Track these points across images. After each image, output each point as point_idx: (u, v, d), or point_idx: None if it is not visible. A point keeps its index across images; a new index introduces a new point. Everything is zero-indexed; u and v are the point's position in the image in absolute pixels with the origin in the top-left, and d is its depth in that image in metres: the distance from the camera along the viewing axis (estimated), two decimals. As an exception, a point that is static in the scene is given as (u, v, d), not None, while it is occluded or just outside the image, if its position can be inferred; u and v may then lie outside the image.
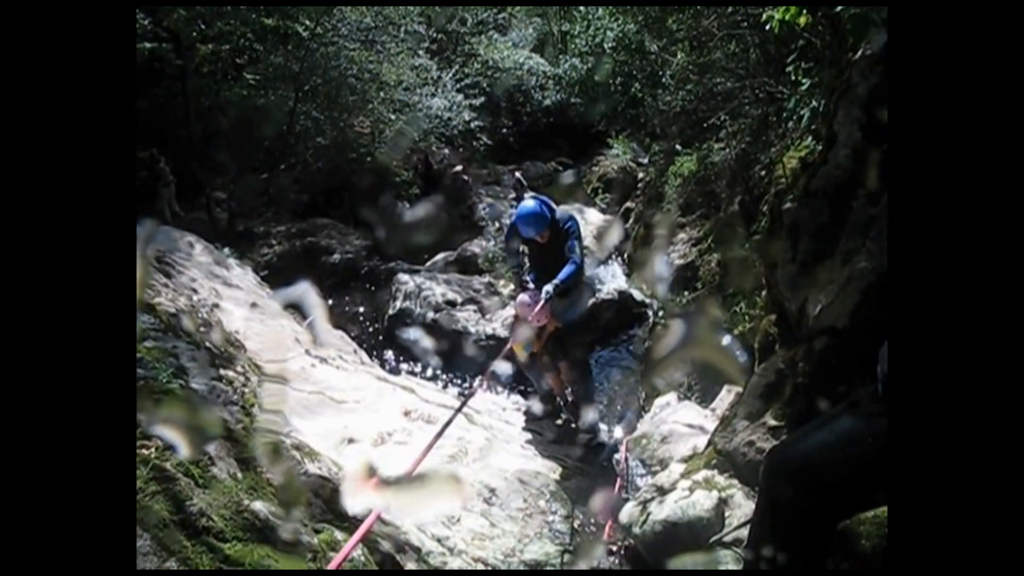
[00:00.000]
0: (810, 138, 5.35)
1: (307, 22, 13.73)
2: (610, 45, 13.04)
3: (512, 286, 11.53)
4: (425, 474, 4.07)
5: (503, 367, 8.19)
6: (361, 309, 11.30)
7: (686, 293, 8.18)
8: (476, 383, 6.03)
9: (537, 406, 6.60)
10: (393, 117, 15.48)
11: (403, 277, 11.13)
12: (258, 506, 2.66)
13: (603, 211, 16.19)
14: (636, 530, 4.10)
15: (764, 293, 4.71)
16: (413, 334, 9.96)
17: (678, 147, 11.54)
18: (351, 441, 4.79)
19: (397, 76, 15.64)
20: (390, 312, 10.58)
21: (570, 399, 6.44)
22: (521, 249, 6.35)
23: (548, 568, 4.19)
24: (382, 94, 15.26)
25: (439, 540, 3.94)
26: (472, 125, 17.55)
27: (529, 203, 5.97)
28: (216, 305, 6.14)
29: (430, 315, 10.25)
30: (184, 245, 7.35)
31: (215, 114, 14.31)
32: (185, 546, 2.23)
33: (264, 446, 3.38)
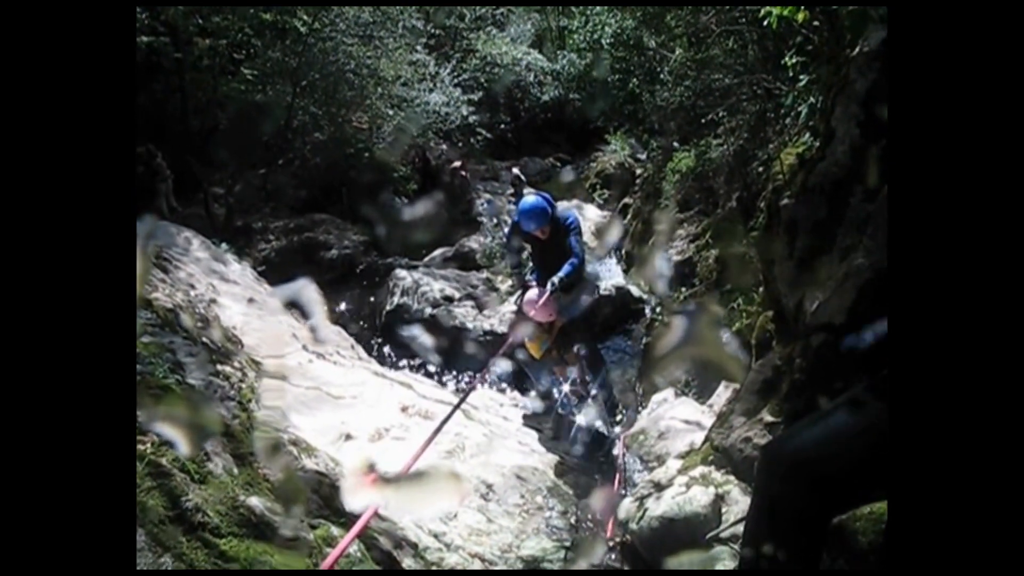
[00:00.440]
0: (808, 134, 5.34)
1: (305, 17, 13.70)
2: (608, 41, 13.03)
3: (510, 282, 11.55)
4: (424, 471, 4.08)
5: (502, 364, 8.20)
6: (359, 305, 11.30)
7: (684, 289, 8.17)
8: (475, 379, 6.05)
9: (535, 403, 6.61)
10: (391, 112, 15.46)
11: (401, 273, 11.13)
12: (254, 502, 2.66)
13: (601, 207, 16.19)
14: (633, 526, 4.10)
15: (762, 290, 4.72)
16: (411, 330, 9.96)
17: (676, 143, 11.54)
18: (348, 437, 4.79)
19: (395, 71, 15.62)
20: (388, 308, 10.57)
21: (591, 391, 6.46)
22: (523, 247, 6.41)
23: (545, 564, 4.19)
24: (380, 89, 15.23)
25: (436, 536, 3.94)
26: (470, 120, 17.54)
27: (530, 198, 6.05)
28: (213, 301, 6.13)
29: (428, 311, 10.25)
30: (181, 241, 7.33)
31: (213, 109, 14.30)
32: (180, 541, 2.23)
33: (261, 442, 3.38)
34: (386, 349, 9.59)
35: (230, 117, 14.11)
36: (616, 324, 9.65)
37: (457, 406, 4.54)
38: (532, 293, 6.01)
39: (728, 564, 3.49)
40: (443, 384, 7.95)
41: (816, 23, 5.06)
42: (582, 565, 4.23)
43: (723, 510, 3.84)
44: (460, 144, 18.49)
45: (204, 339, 4.37)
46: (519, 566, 4.08)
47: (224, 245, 9.46)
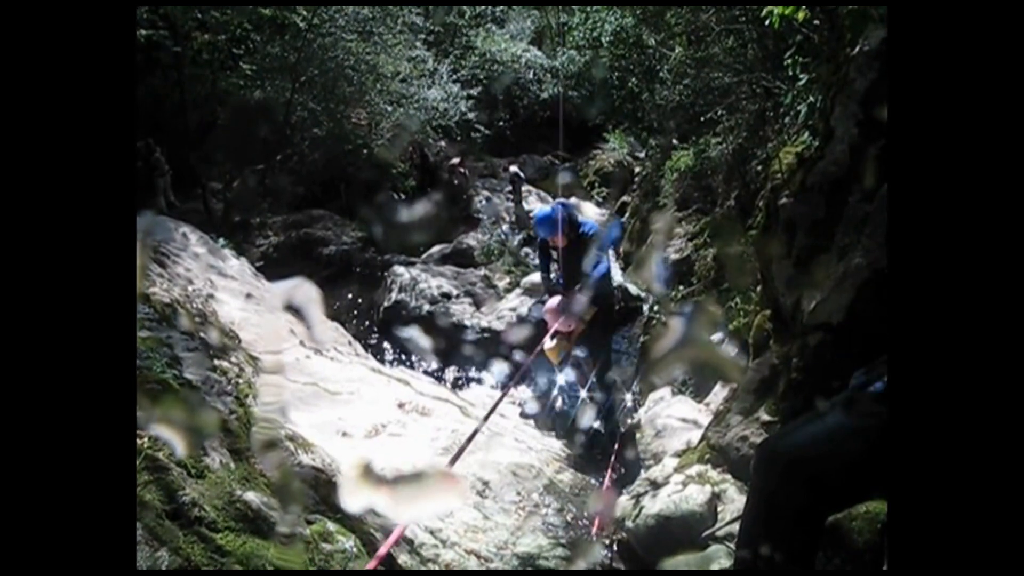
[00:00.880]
0: (807, 134, 5.34)
1: (304, 13, 13.69)
2: (608, 39, 13.00)
3: (508, 280, 11.55)
4: (421, 471, 4.08)
5: (499, 363, 8.22)
6: (356, 301, 11.30)
7: (681, 288, 8.18)
8: (510, 384, 6.12)
9: (532, 401, 6.62)
10: (390, 109, 15.45)
11: (398, 269, 11.13)
12: (251, 497, 2.66)
13: (599, 205, 16.19)
14: (629, 524, 4.10)
15: (759, 289, 4.71)
16: (408, 327, 9.96)
17: (675, 142, 11.54)
18: (345, 433, 4.78)
19: (394, 67, 15.62)
20: (385, 304, 10.58)
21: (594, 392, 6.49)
22: (549, 252, 6.60)
23: (541, 561, 4.19)
24: (379, 85, 15.23)
25: (432, 532, 3.93)
26: (469, 117, 17.53)
27: (545, 206, 6.38)
28: (211, 296, 6.12)
29: (425, 307, 10.26)
30: (179, 235, 7.32)
31: (211, 104, 14.29)
32: (176, 536, 2.23)
33: (258, 437, 3.37)
34: (383, 345, 9.60)
35: (229, 113, 14.10)
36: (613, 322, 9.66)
37: (492, 410, 4.55)
38: (553, 301, 6.09)
39: (724, 563, 3.49)
40: (440, 381, 7.96)
41: (816, 22, 5.06)
42: (579, 564, 4.23)
43: (719, 508, 3.85)
44: (459, 140, 18.49)
45: (201, 334, 4.37)
46: (515, 563, 4.08)
47: (222, 240, 9.46)
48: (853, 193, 3.40)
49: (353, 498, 3.25)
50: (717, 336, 5.91)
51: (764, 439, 3.43)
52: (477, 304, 10.64)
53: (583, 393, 6.42)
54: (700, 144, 9.73)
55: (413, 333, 9.68)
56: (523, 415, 6.51)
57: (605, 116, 17.06)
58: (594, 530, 4.43)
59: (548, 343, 5.94)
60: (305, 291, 7.21)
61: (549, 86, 22.77)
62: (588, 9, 14.65)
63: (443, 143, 17.68)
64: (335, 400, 5.26)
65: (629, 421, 6.65)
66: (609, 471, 5.37)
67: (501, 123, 21.71)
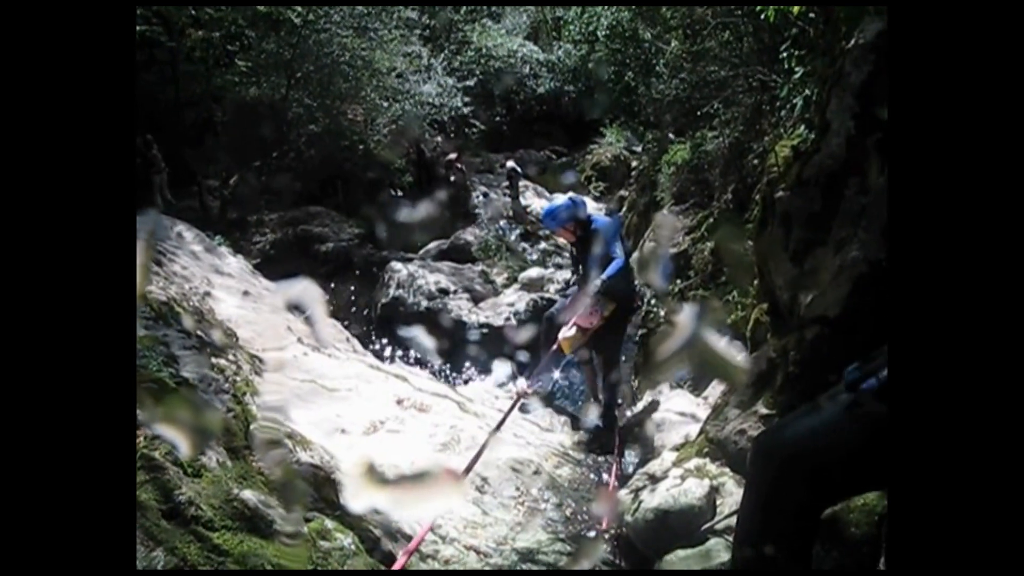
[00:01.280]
0: (803, 127, 5.33)
1: (299, 9, 13.66)
2: (604, 33, 12.99)
3: (505, 275, 11.56)
4: (421, 470, 4.09)
5: (497, 358, 8.21)
6: (354, 297, 11.30)
7: (679, 282, 8.16)
8: (526, 384, 6.14)
9: (533, 396, 6.63)
10: (386, 104, 15.43)
11: (396, 265, 11.13)
12: (248, 495, 2.66)
13: (597, 199, 16.18)
14: (628, 518, 4.10)
15: (756, 282, 4.71)
16: (406, 323, 9.96)
17: (671, 135, 11.53)
18: (343, 430, 4.78)
19: (390, 63, 15.60)
20: (383, 300, 10.58)
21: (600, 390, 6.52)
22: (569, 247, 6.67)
23: (541, 556, 4.19)
24: (375, 81, 15.21)
25: (431, 528, 3.93)
26: (465, 112, 17.52)
27: (554, 200, 6.44)
28: (208, 293, 6.12)
29: (423, 304, 10.26)
30: (176, 233, 7.32)
31: (207, 101, 14.26)
32: (173, 535, 2.22)
33: (256, 435, 3.37)
34: (381, 342, 9.59)
35: (225, 110, 14.08)
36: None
37: (509, 411, 4.54)
38: (574, 297, 6.17)
39: (723, 556, 3.49)
40: (438, 376, 7.95)
41: (812, 15, 5.06)
42: (579, 559, 4.24)
43: (718, 502, 3.85)
44: (454, 135, 18.47)
45: (198, 332, 4.36)
46: (515, 559, 4.08)
47: (219, 238, 9.46)
48: (849, 186, 3.39)
49: (355, 498, 3.25)
50: (717, 334, 5.91)
51: (760, 432, 3.43)
52: (475, 300, 10.64)
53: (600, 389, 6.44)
54: (696, 138, 9.72)
55: (411, 329, 9.67)
56: (522, 409, 6.52)
57: (602, 111, 17.06)
58: (603, 526, 4.43)
59: (565, 333, 5.95)
60: (309, 292, 7.22)
61: (545, 81, 22.76)
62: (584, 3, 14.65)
63: (439, 139, 17.66)
64: (333, 397, 5.26)
65: (629, 413, 6.65)
66: (615, 467, 5.37)
67: (497, 118, 21.71)
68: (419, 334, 9.46)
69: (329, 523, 3.06)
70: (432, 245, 13.40)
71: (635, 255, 10.95)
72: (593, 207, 14.50)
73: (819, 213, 3.59)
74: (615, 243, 5.94)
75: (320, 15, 13.98)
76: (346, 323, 8.79)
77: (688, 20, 9.64)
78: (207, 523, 2.39)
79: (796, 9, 4.54)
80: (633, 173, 15.46)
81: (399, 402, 5.46)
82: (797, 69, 5.45)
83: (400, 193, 15.48)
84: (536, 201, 16.05)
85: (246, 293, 6.84)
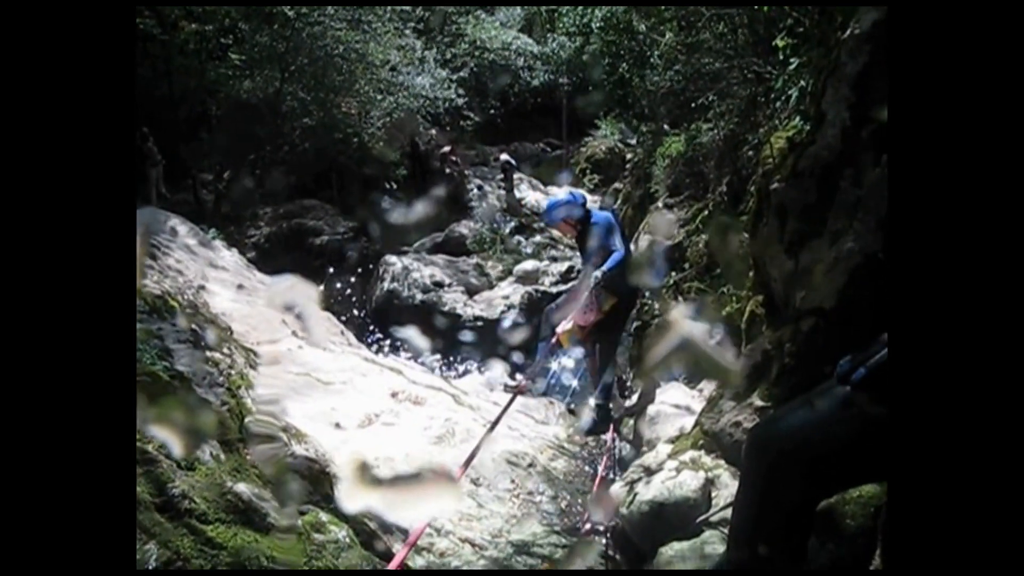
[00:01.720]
0: (798, 118, 5.31)
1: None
2: (598, 25, 12.94)
3: (500, 268, 11.55)
4: (417, 472, 4.08)
5: (492, 351, 8.21)
6: (348, 291, 11.29)
7: (674, 274, 8.14)
8: (527, 378, 6.17)
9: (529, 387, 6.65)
10: (379, 97, 15.38)
11: (390, 259, 11.12)
12: (242, 488, 2.65)
13: (591, 192, 16.16)
14: (623, 511, 4.10)
15: (751, 274, 4.70)
16: (400, 316, 9.95)
17: (666, 128, 11.50)
18: (338, 424, 4.78)
19: (383, 56, 15.55)
20: (377, 294, 10.58)
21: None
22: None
23: (536, 549, 4.19)
24: (368, 74, 15.16)
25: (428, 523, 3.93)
26: (459, 104, 17.48)
27: (556, 195, 6.76)
28: (202, 287, 6.11)
29: (418, 297, 10.26)
30: (170, 227, 7.30)
31: (201, 95, 14.21)
32: (166, 528, 2.21)
33: (250, 428, 3.36)
34: (376, 335, 9.58)
35: (218, 103, 14.04)
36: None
37: (507, 407, 4.55)
38: (574, 291, 6.17)
39: (718, 548, 3.49)
40: (433, 369, 7.95)
41: (807, 6, 5.04)
42: (574, 554, 4.24)
43: (713, 494, 3.85)
44: (448, 128, 18.44)
45: (193, 326, 4.35)
46: (510, 551, 4.08)
47: (213, 232, 9.44)
48: (845, 177, 3.38)
49: (349, 499, 3.25)
50: (712, 332, 5.91)
51: (754, 425, 3.43)
52: (470, 293, 10.64)
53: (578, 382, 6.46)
54: (691, 130, 9.70)
55: (405, 322, 9.67)
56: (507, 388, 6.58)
57: (596, 103, 17.02)
58: (589, 520, 4.43)
59: (564, 327, 5.96)
60: (302, 285, 7.20)
61: (540, 73, 22.72)
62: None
63: (434, 131, 17.62)
64: (328, 390, 5.26)
65: (627, 404, 6.66)
66: (604, 460, 5.37)
67: (492, 111, 21.67)
68: (413, 327, 9.46)
69: (324, 516, 3.06)
70: (426, 238, 13.39)
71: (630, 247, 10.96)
72: (589, 201, 14.52)
73: (814, 205, 3.58)
74: (613, 236, 5.95)
75: (314, 8, 13.92)
76: (341, 317, 8.78)
77: (682, 11, 9.60)
78: (201, 516, 2.38)
79: (791, -1, 4.52)
80: (628, 166, 15.43)
81: (394, 395, 5.46)
82: (792, 60, 5.43)
83: (394, 186, 15.45)
84: (531, 194, 16.05)
85: (240, 287, 6.83)
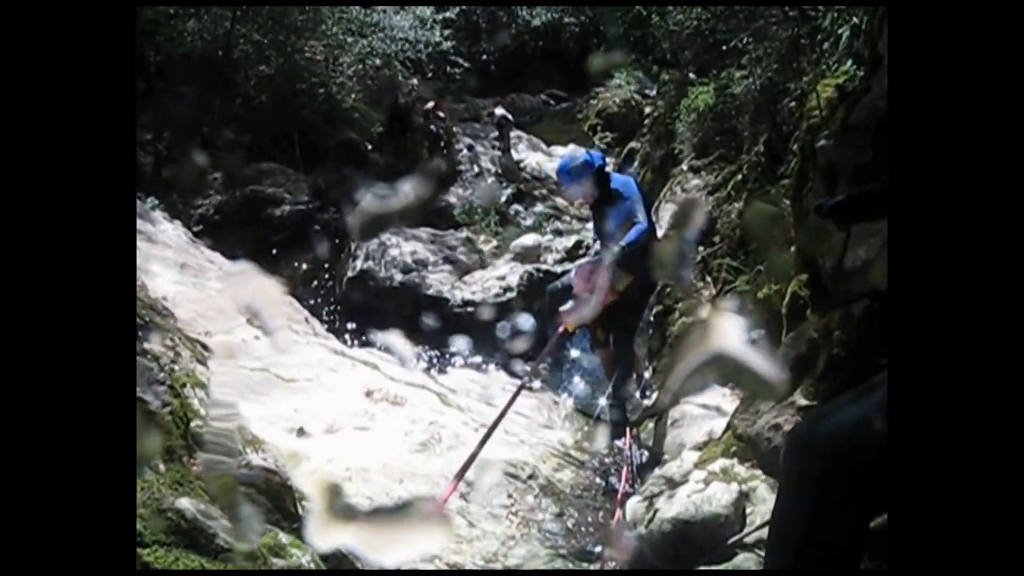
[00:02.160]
0: (850, 62, 5.29)
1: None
2: (611, -49, 12.91)
3: (495, 242, 11.54)
4: (403, 504, 4.07)
5: (486, 345, 8.21)
6: (315, 270, 11.26)
7: (701, 249, 8.13)
8: (525, 377, 6.15)
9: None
10: (351, 40, 15.28)
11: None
12: (184, 504, 2.63)
13: (603, 152, 16.13)
14: (641, 530, 4.10)
15: (793, 249, 4.69)
16: (376, 300, 9.94)
17: (692, 76, 11.46)
18: (302, 429, 4.77)
19: (355, -11, 15.45)
20: (349, 274, 10.56)
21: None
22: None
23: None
24: (337, 13, 15.04)
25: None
26: (445, 47, 17.37)
27: (570, 153, 6.62)
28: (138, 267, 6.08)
29: (397, 277, 10.24)
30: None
31: (138, 38, 14.11)
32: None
33: (196, 433, 3.35)
34: (347, 323, 9.58)
35: (157, 48, 13.94)
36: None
37: (504, 411, 4.54)
38: (584, 266, 6.22)
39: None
40: (415, 363, 7.94)
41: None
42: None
43: (748, 511, 3.85)
44: (432, 77, 18.34)
45: (127, 312, 4.33)
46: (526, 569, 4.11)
47: (151, 201, 9.40)
48: (905, 132, 3.37)
49: (318, 535, 3.23)
50: (749, 305, 5.90)
51: (796, 425, 3.42)
52: (459, 272, 10.62)
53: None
54: (722, 79, 9.67)
55: (382, 308, 9.66)
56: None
57: (609, 46, 16.96)
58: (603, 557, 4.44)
59: (567, 307, 5.94)
60: (257, 274, 7.19)
61: (541, 12, 22.60)
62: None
63: (415, 81, 17.52)
64: (290, 388, 5.26)
65: (646, 403, 6.66)
66: (624, 471, 5.35)
67: (484, 56, 21.55)
68: (392, 313, 9.44)
69: (284, 537, 3.05)
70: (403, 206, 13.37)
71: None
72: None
73: (868, 165, 3.57)
74: (638, 205, 5.92)
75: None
76: (305, 301, 8.77)
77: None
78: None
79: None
80: (646, 121, 15.41)
81: (368, 394, 5.46)
82: (843, -7, 5.41)
83: (369, 147, 15.37)
84: (531, 155, 16.00)
85: (184, 266, 6.82)
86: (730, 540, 3.72)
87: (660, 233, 9.65)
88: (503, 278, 10.26)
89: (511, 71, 22.36)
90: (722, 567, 3.66)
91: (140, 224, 7.22)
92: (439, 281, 10.26)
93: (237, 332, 5.86)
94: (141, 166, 12.87)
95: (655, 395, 6.68)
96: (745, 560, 3.61)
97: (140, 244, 6.61)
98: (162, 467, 2.82)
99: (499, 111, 16.40)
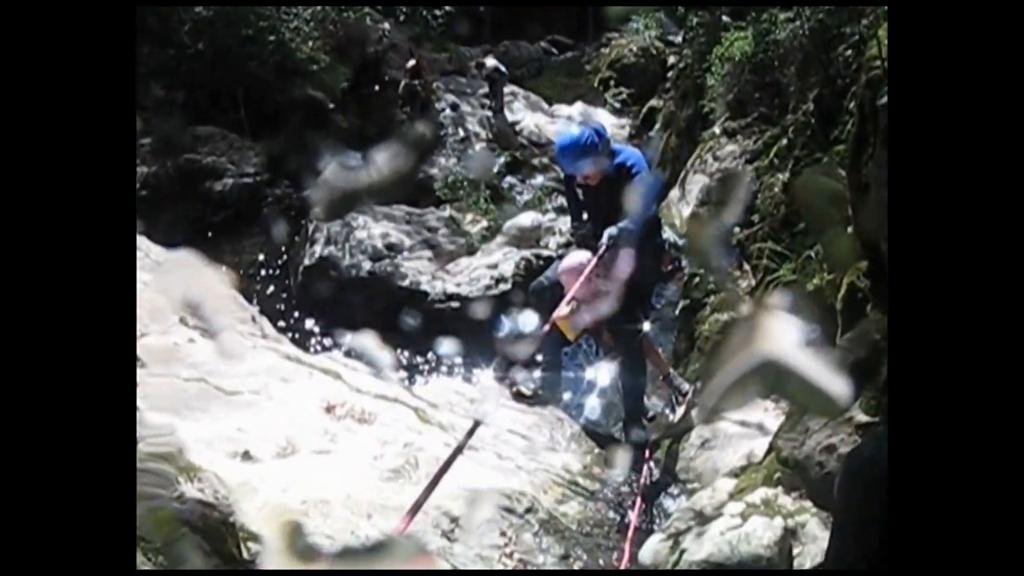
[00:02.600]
0: (919, 1, 5.30)
1: None
2: None
3: (484, 223, 11.53)
4: (381, 543, 4.05)
5: (472, 349, 8.23)
6: (264, 257, 11.26)
7: (737, 230, 8.14)
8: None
9: (530, 384, 6.64)
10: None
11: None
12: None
13: (616, 111, 16.14)
14: (664, 575, 4.10)
15: (850, 230, 4.69)
16: (340, 294, 9.93)
17: (726, 18, 11.47)
18: (247, 453, 4.75)
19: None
20: (306, 262, 10.55)
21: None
22: (576, 194, 6.65)
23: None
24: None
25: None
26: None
27: (569, 129, 6.61)
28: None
29: (365, 266, 10.24)
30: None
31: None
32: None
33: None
34: (304, 322, 9.58)
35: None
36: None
37: (471, 433, 4.55)
38: (574, 257, 6.21)
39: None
40: (386, 372, 7.93)
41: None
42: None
43: (795, 550, 3.85)
44: (405, 20, 18.32)
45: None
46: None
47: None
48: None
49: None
50: (795, 298, 5.90)
51: (855, 447, 3.42)
52: (441, 260, 10.61)
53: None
54: (763, 22, 9.68)
55: (347, 302, 9.65)
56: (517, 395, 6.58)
57: (623, -17, 16.99)
58: None
59: (562, 311, 5.93)
60: (195, 262, 7.17)
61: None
62: None
63: (386, 25, 17.53)
64: (232, 403, 5.24)
65: (672, 417, 6.67)
66: (638, 502, 5.36)
67: (471, -4, 21.56)
68: (358, 309, 9.43)
69: (224, 587, 3.03)
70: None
71: (675, 191, 10.94)
72: (611, 123, 14.50)
73: (943, 126, 3.56)
74: (646, 187, 5.96)
75: None
76: (253, 295, 8.77)
77: None
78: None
79: None
80: (670, 74, 15.43)
81: (329, 409, 5.44)
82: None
83: (331, 106, 15.37)
84: (529, 116, 16.02)
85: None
86: (774, 587, 3.73)
87: (687, 211, 9.69)
88: (495, 266, 10.25)
89: (503, 15, 22.37)
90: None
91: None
92: (416, 270, 10.26)
93: (170, 334, 5.85)
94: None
95: (681, 408, 6.69)
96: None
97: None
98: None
99: (490, 62, 16.43)
